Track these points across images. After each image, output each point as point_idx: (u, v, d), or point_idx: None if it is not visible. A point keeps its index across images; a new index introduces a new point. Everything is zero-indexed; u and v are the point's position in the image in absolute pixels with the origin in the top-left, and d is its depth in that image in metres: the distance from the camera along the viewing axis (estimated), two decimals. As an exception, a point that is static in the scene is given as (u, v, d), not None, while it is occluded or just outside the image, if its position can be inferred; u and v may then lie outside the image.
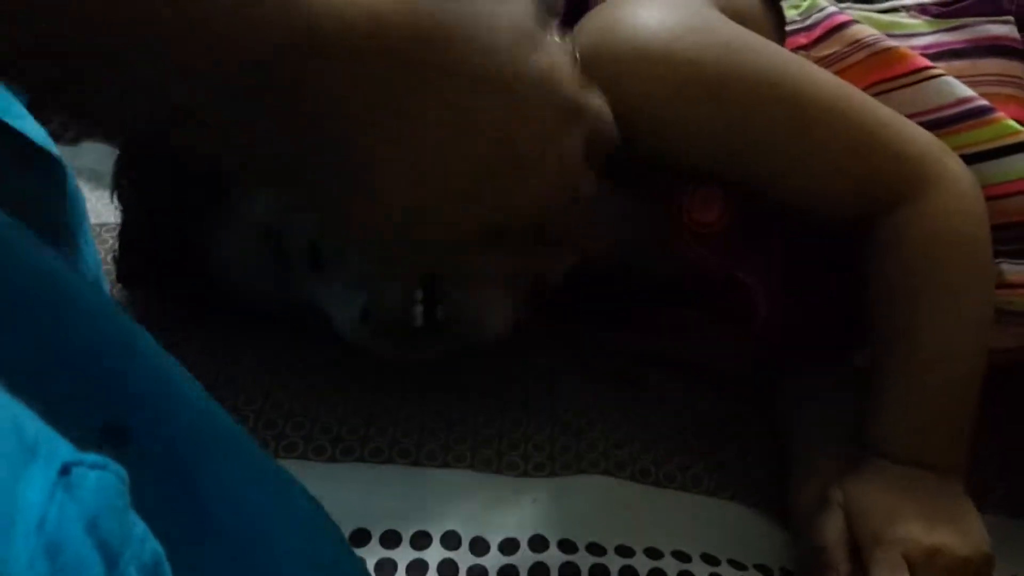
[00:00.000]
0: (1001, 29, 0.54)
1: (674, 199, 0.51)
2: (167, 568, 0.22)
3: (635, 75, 0.48)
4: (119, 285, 0.58)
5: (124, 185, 0.55)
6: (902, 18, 0.55)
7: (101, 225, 0.64)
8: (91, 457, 0.20)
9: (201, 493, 0.27)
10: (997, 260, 0.51)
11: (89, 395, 0.24)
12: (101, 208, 0.63)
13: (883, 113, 0.50)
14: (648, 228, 0.55)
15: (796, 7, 0.53)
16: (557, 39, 0.38)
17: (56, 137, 0.73)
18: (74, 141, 0.74)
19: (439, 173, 0.34)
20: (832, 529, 0.45)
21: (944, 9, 0.56)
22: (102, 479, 0.20)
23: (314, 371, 0.55)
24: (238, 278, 0.53)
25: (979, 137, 0.51)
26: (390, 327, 0.51)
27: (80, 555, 0.19)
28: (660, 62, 0.48)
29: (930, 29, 0.55)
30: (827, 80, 0.50)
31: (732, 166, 0.50)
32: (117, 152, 0.56)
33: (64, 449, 0.20)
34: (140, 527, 0.21)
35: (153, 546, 0.22)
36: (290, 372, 0.55)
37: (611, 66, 0.48)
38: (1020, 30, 0.54)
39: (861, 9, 0.55)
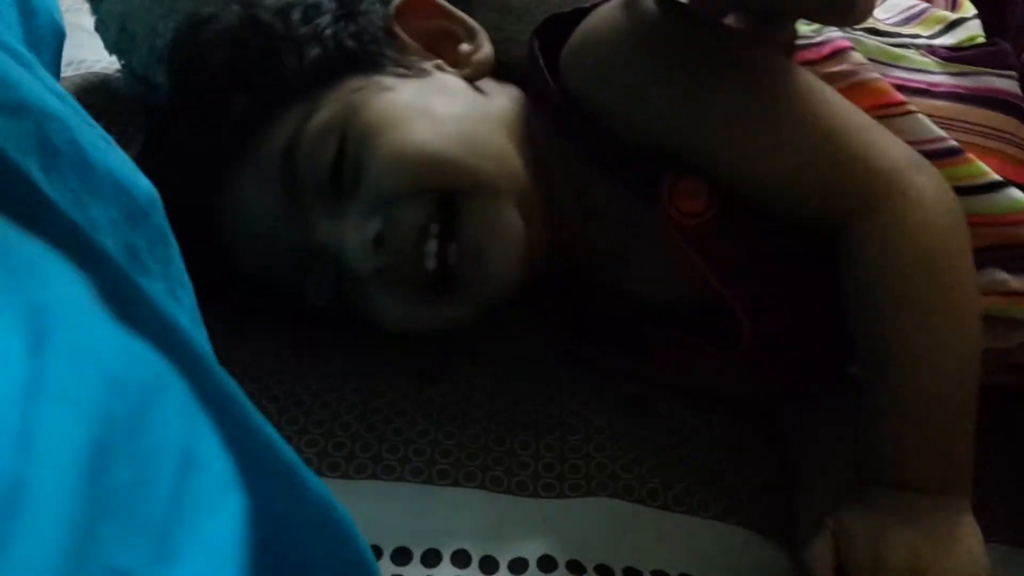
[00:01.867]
0: (1004, 83, 0.55)
1: (659, 187, 0.52)
2: None
3: (623, 56, 0.51)
4: None
5: (147, 148, 0.58)
6: (912, 54, 0.56)
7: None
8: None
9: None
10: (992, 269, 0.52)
11: None
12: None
13: (858, 119, 0.50)
14: (644, 234, 0.56)
15: (808, 23, 0.55)
16: None
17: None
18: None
19: None
20: (819, 556, 0.45)
21: (953, 54, 0.56)
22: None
23: (329, 390, 0.56)
24: (253, 228, 0.54)
25: (955, 174, 0.51)
26: (402, 264, 0.51)
27: None
28: (648, 43, 0.51)
29: (938, 70, 0.56)
30: (801, 79, 0.51)
31: (702, 151, 0.51)
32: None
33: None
34: None
35: None
36: (304, 390, 0.56)
37: (604, 48, 0.52)
38: (1022, 86, 0.55)
39: (875, 40, 0.56)
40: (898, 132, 0.52)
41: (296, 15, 0.56)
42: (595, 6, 0.58)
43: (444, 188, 0.52)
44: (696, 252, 0.52)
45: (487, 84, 0.59)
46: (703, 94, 0.51)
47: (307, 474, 0.29)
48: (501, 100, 0.58)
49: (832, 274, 0.51)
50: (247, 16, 0.56)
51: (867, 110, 0.52)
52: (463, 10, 0.71)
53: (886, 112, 0.52)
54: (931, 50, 0.57)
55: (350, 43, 0.55)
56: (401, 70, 0.55)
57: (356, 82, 0.54)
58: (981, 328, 0.48)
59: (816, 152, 0.50)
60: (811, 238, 0.51)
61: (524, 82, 0.60)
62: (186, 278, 0.34)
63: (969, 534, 0.46)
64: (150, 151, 0.58)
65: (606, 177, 0.56)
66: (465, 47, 0.59)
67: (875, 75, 0.53)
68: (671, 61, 0.51)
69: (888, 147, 0.50)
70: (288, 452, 0.29)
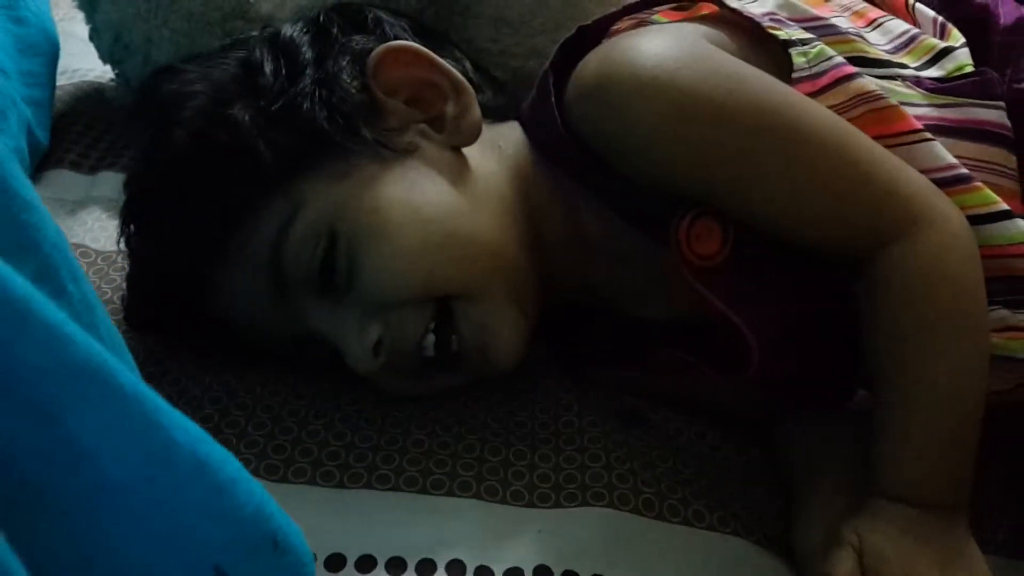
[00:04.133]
0: (990, 114, 0.55)
1: (674, 229, 0.52)
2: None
3: (637, 104, 0.49)
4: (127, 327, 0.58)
5: (131, 229, 0.56)
6: (898, 86, 0.56)
7: (118, 252, 0.65)
8: None
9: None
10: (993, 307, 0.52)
11: None
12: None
13: (878, 152, 0.51)
14: (645, 266, 0.56)
15: (804, 55, 0.54)
16: None
17: (75, 166, 0.75)
18: (92, 170, 0.75)
19: None
20: (846, 569, 0.46)
21: (938, 85, 0.56)
22: None
23: (324, 400, 0.56)
24: (245, 316, 0.54)
25: (964, 202, 0.52)
26: (403, 359, 0.52)
27: None
28: (662, 91, 0.49)
29: (922, 101, 0.56)
30: (824, 115, 0.51)
31: (727, 194, 0.51)
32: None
33: None
34: None
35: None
36: (299, 400, 0.55)
37: (614, 96, 0.50)
38: (1010, 116, 0.55)
39: (858, 71, 0.55)
40: (913, 159, 0.52)
41: (272, 83, 0.53)
42: (599, 24, 0.58)
43: (440, 295, 0.52)
44: (708, 289, 0.52)
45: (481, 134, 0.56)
46: (739, 141, 0.50)
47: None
48: (489, 165, 0.56)
49: (838, 303, 0.52)
50: (215, 113, 0.52)
51: (884, 137, 0.52)
52: (459, 23, 0.72)
53: (906, 140, 0.53)
54: (917, 81, 0.57)
55: (327, 126, 0.52)
56: (384, 151, 0.53)
57: (337, 167, 0.52)
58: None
59: (849, 188, 0.50)
60: (820, 267, 0.52)
61: (519, 106, 0.59)
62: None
63: (974, 552, 0.48)
64: (130, 218, 0.56)
65: (609, 213, 0.55)
66: (451, 109, 0.55)
67: (892, 101, 0.53)
68: (703, 107, 0.49)
69: (911, 177, 0.51)
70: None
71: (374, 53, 0.55)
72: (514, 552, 0.47)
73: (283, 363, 0.57)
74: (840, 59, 0.54)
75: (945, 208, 0.50)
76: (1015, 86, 0.56)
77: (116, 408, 0.28)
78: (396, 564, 0.46)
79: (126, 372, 0.28)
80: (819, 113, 0.51)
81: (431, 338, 0.52)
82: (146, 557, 0.29)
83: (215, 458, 0.30)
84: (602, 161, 0.53)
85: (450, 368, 0.54)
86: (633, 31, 0.57)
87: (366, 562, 0.46)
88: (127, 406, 0.28)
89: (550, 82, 0.55)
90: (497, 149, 0.57)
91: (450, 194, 0.53)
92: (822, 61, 0.54)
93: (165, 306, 0.56)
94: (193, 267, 0.53)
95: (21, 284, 0.26)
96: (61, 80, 0.82)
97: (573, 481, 0.51)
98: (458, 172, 0.55)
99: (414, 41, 0.57)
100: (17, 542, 0.24)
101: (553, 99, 0.54)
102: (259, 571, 0.30)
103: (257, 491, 0.31)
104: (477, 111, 0.56)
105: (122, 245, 0.58)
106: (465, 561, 0.46)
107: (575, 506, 0.50)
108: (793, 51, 0.54)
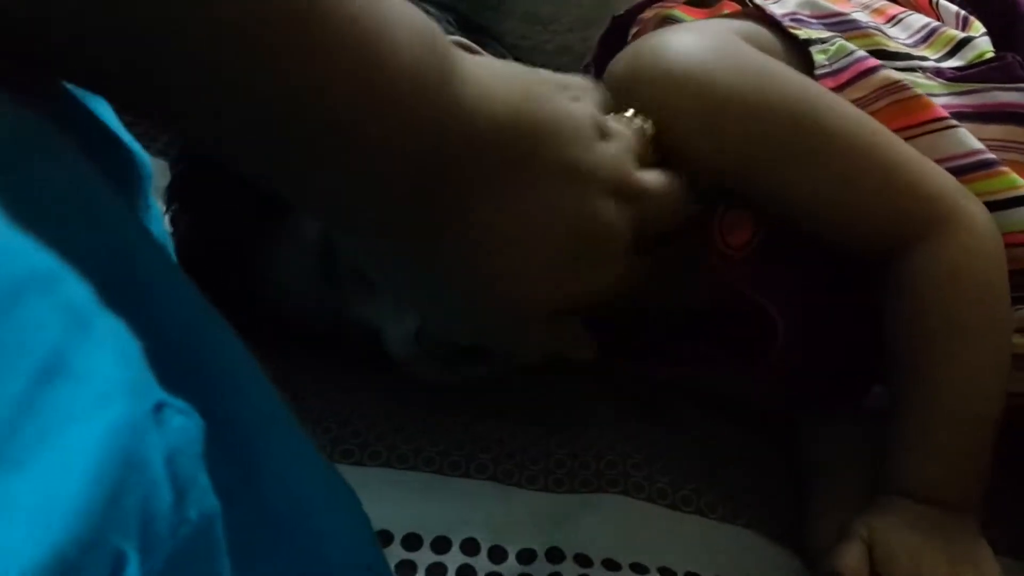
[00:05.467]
0: (1011, 96, 0.55)
1: (705, 221, 0.52)
2: (220, 528, 0.24)
3: (673, 98, 0.49)
4: None
5: (178, 207, 0.57)
6: (918, 78, 0.56)
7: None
8: (180, 403, 0.22)
9: (261, 477, 0.28)
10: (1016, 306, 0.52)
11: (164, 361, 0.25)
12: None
13: (906, 151, 0.51)
14: (676, 253, 0.57)
15: (824, 52, 0.55)
16: (618, 122, 0.43)
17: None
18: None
19: (520, 255, 0.38)
20: (854, 560, 0.46)
21: (959, 73, 0.57)
22: (187, 423, 0.22)
23: (344, 380, 0.57)
24: (290, 297, 0.55)
25: (989, 187, 0.52)
26: (438, 347, 0.53)
27: (156, 478, 0.20)
28: (697, 85, 0.49)
29: (942, 91, 0.56)
30: (852, 113, 0.51)
31: (755, 188, 0.51)
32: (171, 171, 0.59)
33: (158, 391, 0.22)
34: (206, 479, 0.23)
35: (214, 500, 0.23)
36: (319, 381, 0.57)
37: (648, 90, 0.50)
38: None
39: (881, 63, 0.56)
40: (938, 147, 0.52)
41: None
42: (631, 13, 0.58)
43: None
44: (738, 277, 0.53)
45: None
46: (771, 136, 0.50)
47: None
48: None
49: (860, 298, 0.52)
50: None
51: (911, 127, 0.52)
52: (491, 18, 0.73)
53: (929, 128, 0.53)
54: (938, 72, 0.57)
55: None
56: None
57: None
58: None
59: (876, 187, 0.50)
60: (845, 263, 0.52)
61: None
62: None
63: (985, 551, 0.48)
64: (176, 195, 0.57)
65: None
66: None
67: (916, 91, 0.53)
68: (736, 102, 0.49)
69: (936, 176, 0.51)
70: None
71: None
72: (527, 534, 0.48)
73: (322, 345, 0.58)
74: (861, 52, 0.54)
75: (971, 208, 0.50)
76: None
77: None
78: (412, 540, 0.47)
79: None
80: (847, 111, 0.51)
81: None
82: None
83: None
84: None
85: (481, 360, 0.55)
86: (660, 29, 0.57)
87: (383, 537, 0.47)
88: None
89: (591, 76, 0.56)
90: None
91: None
92: (843, 57, 0.54)
93: (209, 284, 0.56)
94: (244, 246, 0.54)
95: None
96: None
97: (588, 468, 0.52)
98: None
99: (461, 36, 0.58)
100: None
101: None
102: None
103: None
104: None
105: (167, 224, 0.59)
106: (480, 540, 0.47)
107: (589, 492, 0.51)
108: (813, 49, 0.55)
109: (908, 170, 0.51)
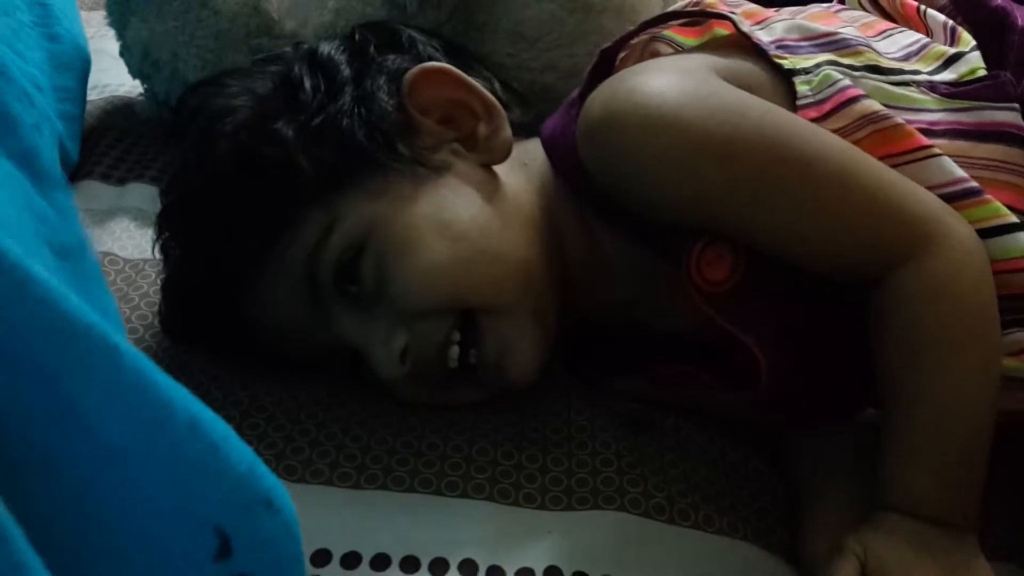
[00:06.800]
0: (1006, 116, 0.55)
1: (684, 257, 0.53)
2: None
3: (645, 142, 0.50)
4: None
5: (168, 236, 0.58)
6: (913, 92, 0.56)
7: (145, 261, 0.67)
8: None
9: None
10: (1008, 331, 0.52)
11: None
12: (145, 245, 0.67)
13: (888, 175, 0.51)
14: (659, 283, 0.57)
15: (808, 83, 0.55)
16: None
17: (105, 178, 0.77)
18: (121, 182, 0.77)
19: None
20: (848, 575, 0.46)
21: (953, 89, 0.57)
22: None
23: (342, 405, 0.57)
24: (279, 324, 0.55)
25: (974, 216, 0.52)
26: (427, 368, 0.53)
27: None
28: (668, 129, 0.50)
29: (938, 107, 0.56)
30: (830, 142, 0.51)
31: (736, 227, 0.52)
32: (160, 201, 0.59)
33: None
34: None
35: None
36: (317, 405, 0.57)
37: (621, 134, 0.51)
38: None
39: (875, 79, 0.56)
40: (922, 176, 0.52)
41: (312, 99, 0.54)
42: (619, 43, 0.58)
43: (465, 308, 0.53)
44: (718, 313, 0.53)
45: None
46: (747, 175, 0.50)
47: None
48: (518, 182, 0.57)
49: (846, 321, 0.52)
50: (258, 125, 0.54)
51: (893, 155, 0.52)
52: (476, 38, 0.73)
53: (913, 157, 0.53)
54: (931, 86, 0.57)
55: (366, 142, 0.53)
56: (419, 169, 0.54)
57: (374, 182, 0.53)
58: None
59: (857, 214, 0.50)
60: (831, 288, 0.52)
61: (538, 120, 0.61)
62: None
63: (983, 567, 0.48)
64: (167, 225, 0.58)
65: (622, 235, 0.57)
66: (483, 129, 0.57)
67: (897, 120, 0.53)
68: (710, 143, 0.50)
69: (920, 197, 0.51)
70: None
71: (410, 73, 0.56)
72: (526, 553, 0.48)
73: (311, 372, 0.58)
74: (846, 82, 0.54)
75: (957, 226, 0.50)
76: None
77: (111, 369, 0.28)
78: (410, 563, 0.47)
79: (117, 333, 0.28)
80: (825, 140, 0.52)
81: (455, 349, 0.53)
82: (146, 517, 0.29)
83: (207, 417, 0.30)
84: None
85: (470, 381, 0.55)
86: (637, 66, 0.57)
87: (381, 560, 0.47)
88: (122, 366, 0.28)
89: (576, 111, 0.55)
90: (524, 167, 0.59)
91: (481, 211, 0.55)
92: (827, 87, 0.54)
93: (200, 312, 0.57)
94: (231, 275, 0.54)
95: (14, 250, 0.27)
96: (92, 95, 0.84)
97: (585, 485, 0.52)
98: (489, 189, 0.56)
99: (447, 61, 0.59)
100: (15, 504, 0.24)
101: (575, 128, 0.55)
102: (255, 530, 0.30)
103: (248, 451, 0.31)
104: (508, 130, 0.57)
105: (154, 253, 0.59)
106: (478, 561, 0.47)
107: (586, 509, 0.51)
108: (797, 80, 0.55)
109: (890, 194, 0.51)
